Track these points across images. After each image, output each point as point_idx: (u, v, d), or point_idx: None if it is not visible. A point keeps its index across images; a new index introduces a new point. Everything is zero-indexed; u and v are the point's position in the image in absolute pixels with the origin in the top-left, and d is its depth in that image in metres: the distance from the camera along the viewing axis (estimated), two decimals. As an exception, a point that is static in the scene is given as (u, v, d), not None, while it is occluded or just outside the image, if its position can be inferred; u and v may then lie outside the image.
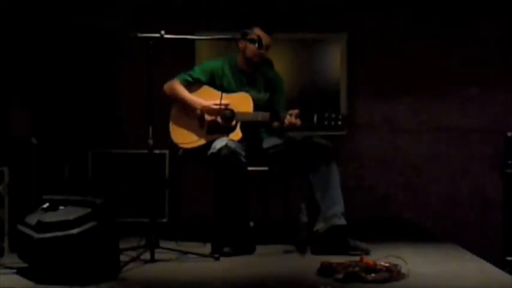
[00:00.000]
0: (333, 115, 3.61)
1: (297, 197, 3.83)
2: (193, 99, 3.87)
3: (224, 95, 3.82)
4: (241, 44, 3.93)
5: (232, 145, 3.62)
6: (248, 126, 3.84)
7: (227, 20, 4.94)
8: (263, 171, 3.92)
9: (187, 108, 3.89)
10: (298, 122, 3.69)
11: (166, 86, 3.94)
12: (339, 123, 3.60)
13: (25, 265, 3.13)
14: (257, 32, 3.90)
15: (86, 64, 5.02)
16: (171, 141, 3.93)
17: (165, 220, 4.67)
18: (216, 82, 3.94)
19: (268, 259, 3.56)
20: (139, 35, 3.48)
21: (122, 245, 3.29)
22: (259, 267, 3.36)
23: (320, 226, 3.66)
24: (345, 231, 3.63)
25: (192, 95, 3.89)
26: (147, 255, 3.35)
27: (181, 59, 4.79)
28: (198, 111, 3.85)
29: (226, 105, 3.81)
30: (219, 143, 3.63)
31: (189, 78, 3.94)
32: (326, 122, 3.61)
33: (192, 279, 3.09)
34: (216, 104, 3.78)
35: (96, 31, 5.01)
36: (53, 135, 4.76)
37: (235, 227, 3.65)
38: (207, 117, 3.86)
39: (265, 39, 3.89)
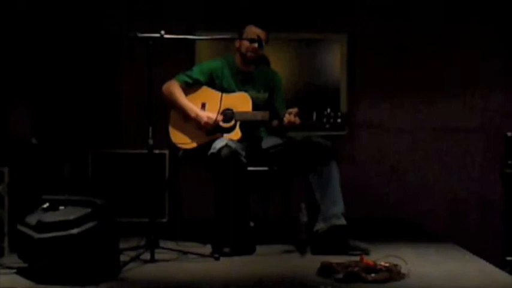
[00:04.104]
0: (332, 113, 3.60)
1: (297, 197, 3.83)
2: (188, 107, 3.85)
3: (223, 94, 3.83)
4: (237, 43, 3.94)
5: (232, 145, 3.63)
6: (247, 125, 3.84)
7: (227, 20, 4.94)
8: (263, 171, 3.92)
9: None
10: (297, 120, 3.69)
11: (165, 88, 3.91)
12: (339, 120, 3.60)
13: (25, 265, 3.13)
14: (251, 29, 3.91)
15: (86, 64, 5.02)
16: (171, 142, 3.93)
17: (165, 220, 4.67)
18: (215, 82, 3.94)
19: (268, 259, 3.56)
20: (140, 35, 3.48)
21: (122, 245, 3.30)
22: (259, 267, 3.36)
23: (320, 226, 3.66)
24: (345, 231, 3.64)
25: (188, 101, 3.87)
26: (147, 255, 3.35)
27: (181, 59, 4.79)
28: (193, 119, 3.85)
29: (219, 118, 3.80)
30: (219, 143, 3.64)
31: (188, 80, 3.93)
32: (325, 120, 3.60)
33: (192, 279, 3.09)
34: (209, 119, 3.77)
35: (96, 31, 5.01)
36: (53, 135, 4.76)
37: (235, 227, 3.65)
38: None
39: (261, 34, 3.89)
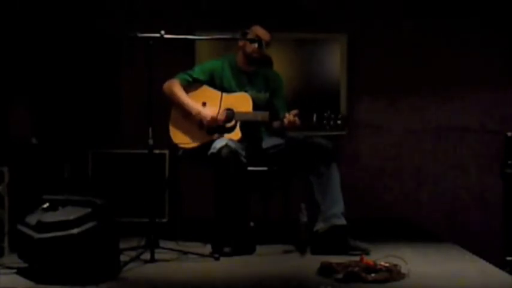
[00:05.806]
0: (333, 115, 3.61)
1: (297, 197, 3.83)
2: (190, 105, 3.86)
3: (224, 94, 3.83)
4: (241, 43, 3.93)
5: (232, 145, 3.62)
6: (248, 126, 3.84)
7: (227, 20, 4.94)
8: (263, 171, 3.92)
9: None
10: (297, 121, 3.69)
11: (166, 86, 3.93)
12: (339, 122, 3.60)
13: (25, 265, 3.13)
14: (256, 30, 3.90)
15: (86, 64, 5.01)
16: (171, 141, 3.93)
17: (165, 220, 4.67)
18: (216, 82, 3.94)
19: (268, 259, 3.56)
20: (140, 35, 3.48)
21: (122, 245, 3.30)
22: (259, 267, 3.36)
23: (320, 226, 3.66)
24: (345, 231, 3.64)
25: (190, 99, 3.88)
26: (147, 255, 3.35)
27: (181, 59, 4.79)
28: (195, 117, 3.84)
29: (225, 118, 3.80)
30: (219, 143, 3.63)
31: (189, 78, 3.93)
32: (325, 122, 3.61)
33: (192, 279, 3.09)
34: (213, 118, 3.78)
35: (96, 31, 5.00)
36: (53, 135, 4.75)
37: (235, 227, 3.65)
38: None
39: (265, 36, 3.89)
